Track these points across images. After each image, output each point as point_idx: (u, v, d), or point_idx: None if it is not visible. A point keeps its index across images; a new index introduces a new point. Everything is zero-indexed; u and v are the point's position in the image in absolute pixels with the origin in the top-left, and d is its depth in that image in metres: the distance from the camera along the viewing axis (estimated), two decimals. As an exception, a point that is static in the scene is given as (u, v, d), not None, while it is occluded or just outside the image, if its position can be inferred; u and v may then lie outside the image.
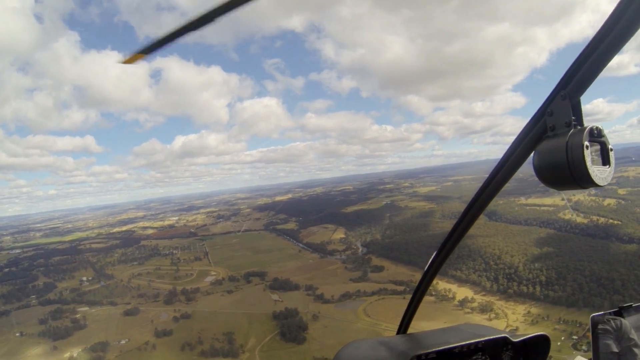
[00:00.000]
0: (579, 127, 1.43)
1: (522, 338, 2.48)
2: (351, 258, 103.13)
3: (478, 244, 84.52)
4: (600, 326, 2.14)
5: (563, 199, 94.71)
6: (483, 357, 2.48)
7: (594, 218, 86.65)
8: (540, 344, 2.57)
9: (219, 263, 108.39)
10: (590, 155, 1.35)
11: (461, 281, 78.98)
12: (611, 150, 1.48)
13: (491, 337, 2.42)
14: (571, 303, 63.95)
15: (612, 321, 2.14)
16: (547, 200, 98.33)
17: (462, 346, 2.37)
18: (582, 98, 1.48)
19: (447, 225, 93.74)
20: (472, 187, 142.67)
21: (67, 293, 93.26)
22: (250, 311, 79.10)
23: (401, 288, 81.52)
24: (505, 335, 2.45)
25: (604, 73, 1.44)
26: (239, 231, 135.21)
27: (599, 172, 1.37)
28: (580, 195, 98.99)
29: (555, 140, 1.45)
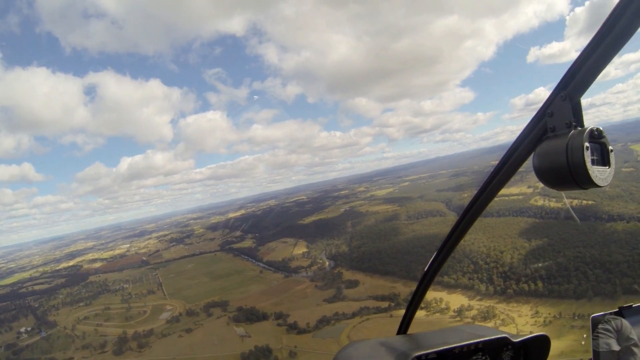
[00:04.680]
0: (580, 128, 1.42)
1: (522, 338, 2.47)
2: (319, 274, 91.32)
3: (460, 243, 75.91)
4: (600, 326, 2.15)
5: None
6: (483, 358, 2.46)
7: (567, 201, 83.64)
8: (540, 344, 2.54)
9: (175, 294, 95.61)
10: (590, 156, 1.35)
11: (451, 287, 69.99)
12: (611, 151, 1.47)
13: (491, 338, 2.42)
14: (580, 294, 57.09)
15: (612, 321, 2.16)
16: (514, 190, 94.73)
17: (462, 346, 2.36)
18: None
19: (418, 227, 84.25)
20: (431, 184, 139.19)
21: (1, 352, 77.52)
22: (214, 354, 65.91)
23: (385, 304, 71.00)
24: (505, 335, 2.45)
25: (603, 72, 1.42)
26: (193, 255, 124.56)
27: (599, 173, 1.37)
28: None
29: (555, 141, 1.45)
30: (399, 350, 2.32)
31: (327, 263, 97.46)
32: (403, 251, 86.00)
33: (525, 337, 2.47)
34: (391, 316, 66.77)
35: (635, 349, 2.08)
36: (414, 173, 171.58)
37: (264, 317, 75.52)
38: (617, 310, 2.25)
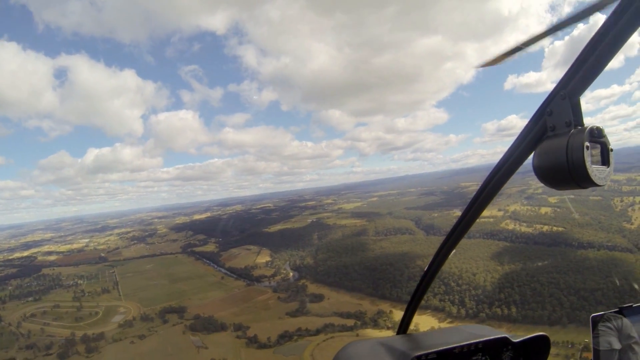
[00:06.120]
0: (580, 127, 1.42)
1: (522, 338, 2.49)
2: (283, 285, 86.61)
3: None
4: (601, 324, 2.19)
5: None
6: (483, 358, 2.48)
7: (538, 227, 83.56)
8: (540, 345, 2.56)
9: (130, 296, 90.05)
10: (590, 155, 1.35)
11: (420, 308, 62.72)
12: (611, 150, 1.47)
13: (491, 338, 2.44)
14: (554, 321, 55.52)
15: (612, 319, 2.19)
16: (485, 212, 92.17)
17: (462, 346, 2.37)
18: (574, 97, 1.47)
19: (386, 244, 79.94)
20: (400, 202, 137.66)
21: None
22: (167, 365, 60.28)
23: (351, 322, 67.06)
24: (505, 335, 2.47)
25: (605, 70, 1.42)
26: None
27: (598, 172, 1.37)
28: (516, 205, 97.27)
29: (555, 140, 1.45)
30: (399, 350, 2.31)
31: (291, 274, 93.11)
32: (371, 268, 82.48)
33: (525, 338, 2.46)
34: (357, 335, 62.36)
35: (636, 347, 2.09)
36: (383, 189, 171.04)
37: (222, 327, 70.72)
38: (617, 310, 2.22)
